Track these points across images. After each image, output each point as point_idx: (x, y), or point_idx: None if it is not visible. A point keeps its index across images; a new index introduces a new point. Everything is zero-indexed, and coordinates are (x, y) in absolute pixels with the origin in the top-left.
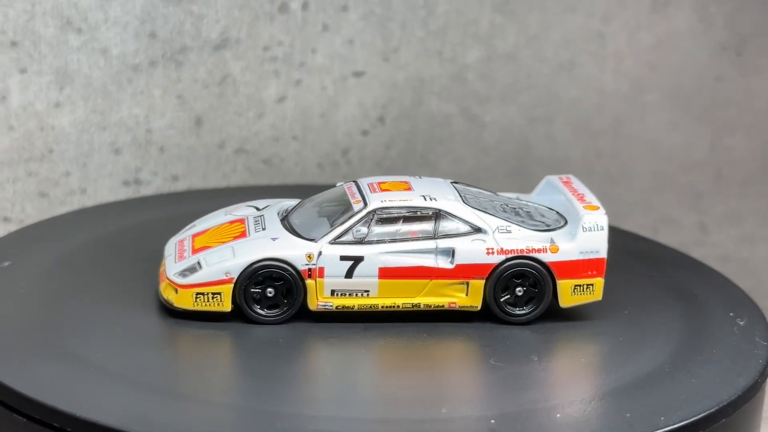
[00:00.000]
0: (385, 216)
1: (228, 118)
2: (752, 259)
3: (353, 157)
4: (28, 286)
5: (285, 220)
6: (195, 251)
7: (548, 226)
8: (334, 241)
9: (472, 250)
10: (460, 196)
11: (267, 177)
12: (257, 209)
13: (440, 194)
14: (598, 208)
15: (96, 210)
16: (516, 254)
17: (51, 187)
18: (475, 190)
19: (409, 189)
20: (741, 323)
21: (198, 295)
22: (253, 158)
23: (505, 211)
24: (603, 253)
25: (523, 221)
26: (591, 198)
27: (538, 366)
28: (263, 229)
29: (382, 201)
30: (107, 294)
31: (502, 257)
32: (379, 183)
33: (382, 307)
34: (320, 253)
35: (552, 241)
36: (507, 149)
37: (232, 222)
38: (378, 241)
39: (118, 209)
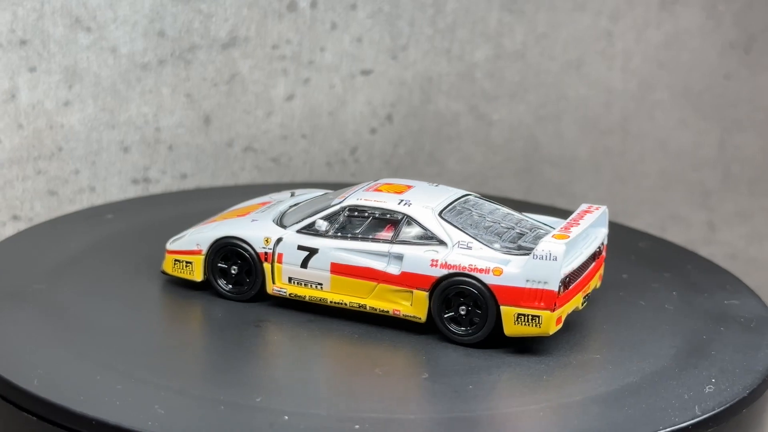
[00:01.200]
0: (356, 214)
1: (236, 116)
2: (761, 257)
3: (361, 156)
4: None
5: (292, 206)
6: (206, 224)
7: (526, 250)
8: (300, 231)
9: (418, 260)
10: (445, 207)
11: (276, 175)
12: (291, 195)
13: (421, 201)
14: (567, 237)
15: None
16: (457, 270)
17: (60, 185)
18: (491, 206)
19: (400, 193)
20: (710, 389)
21: (176, 262)
22: (262, 156)
23: (486, 229)
24: (553, 285)
25: (495, 241)
26: (578, 230)
27: (421, 381)
28: (263, 212)
29: (357, 199)
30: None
31: (445, 271)
32: (383, 184)
33: (331, 302)
34: (280, 240)
35: (504, 263)
36: (515, 147)
37: (257, 204)
38: (339, 237)
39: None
